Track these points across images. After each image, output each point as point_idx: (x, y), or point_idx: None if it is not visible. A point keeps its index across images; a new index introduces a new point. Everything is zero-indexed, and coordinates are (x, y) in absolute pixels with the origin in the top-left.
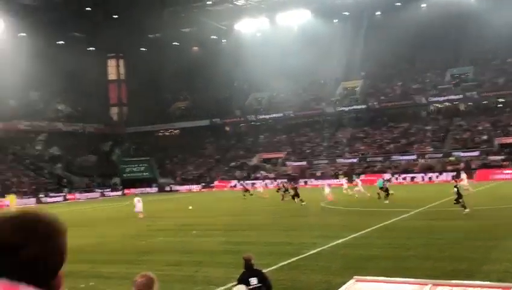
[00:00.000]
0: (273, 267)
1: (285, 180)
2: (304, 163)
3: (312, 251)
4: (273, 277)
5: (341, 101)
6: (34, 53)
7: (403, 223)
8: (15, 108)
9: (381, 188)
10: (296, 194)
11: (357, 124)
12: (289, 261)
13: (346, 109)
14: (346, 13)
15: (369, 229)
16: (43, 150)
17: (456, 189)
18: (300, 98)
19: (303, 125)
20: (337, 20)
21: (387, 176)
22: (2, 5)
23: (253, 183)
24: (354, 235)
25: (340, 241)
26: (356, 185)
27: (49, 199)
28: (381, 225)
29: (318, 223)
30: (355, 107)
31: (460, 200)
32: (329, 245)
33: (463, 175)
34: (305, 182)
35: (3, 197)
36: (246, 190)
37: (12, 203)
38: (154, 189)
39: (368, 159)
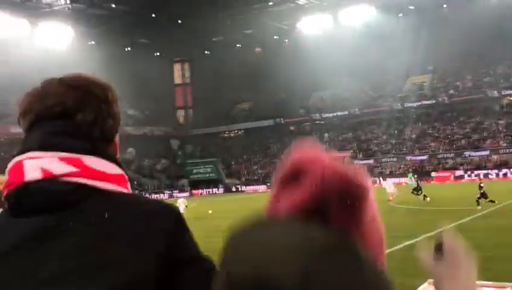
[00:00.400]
0: None
1: None
2: (371, 161)
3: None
4: None
5: (409, 97)
6: (103, 60)
7: (478, 222)
8: None
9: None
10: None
11: (426, 120)
12: None
13: (414, 104)
14: (412, 7)
15: (442, 229)
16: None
17: None
18: (366, 95)
19: (369, 122)
20: (402, 15)
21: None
22: (72, 15)
23: None
24: (427, 235)
25: (413, 241)
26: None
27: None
28: (455, 224)
29: (388, 222)
30: (423, 102)
31: None
32: (401, 245)
33: None
34: (374, 181)
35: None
36: None
37: None
38: (221, 190)
39: (439, 156)
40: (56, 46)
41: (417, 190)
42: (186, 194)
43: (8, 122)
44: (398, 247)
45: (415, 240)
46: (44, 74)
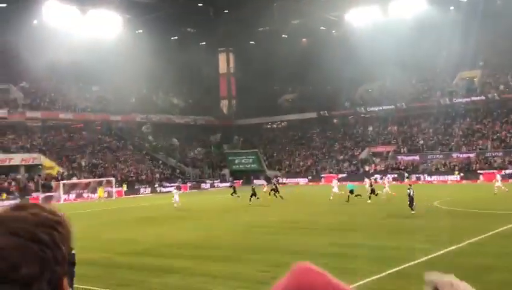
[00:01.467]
0: (379, 275)
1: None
2: (416, 157)
3: (423, 257)
4: (378, 286)
5: (458, 92)
6: (150, 49)
7: None
8: (132, 101)
9: (351, 192)
10: (276, 189)
11: (475, 117)
12: (397, 268)
13: (463, 100)
14: (464, 0)
15: (487, 235)
16: (158, 141)
17: None
18: (414, 89)
19: (416, 117)
20: (453, 8)
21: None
22: (120, 4)
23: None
24: (469, 241)
25: (454, 247)
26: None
27: (163, 189)
28: (500, 229)
29: (429, 225)
30: (473, 98)
31: None
32: (442, 252)
33: None
34: (418, 178)
35: (121, 186)
36: (274, 190)
37: (101, 196)
38: (262, 181)
39: (487, 154)
40: (105, 34)
41: (372, 192)
42: (228, 184)
43: (56, 108)
44: (438, 253)
45: (457, 245)
46: (93, 61)
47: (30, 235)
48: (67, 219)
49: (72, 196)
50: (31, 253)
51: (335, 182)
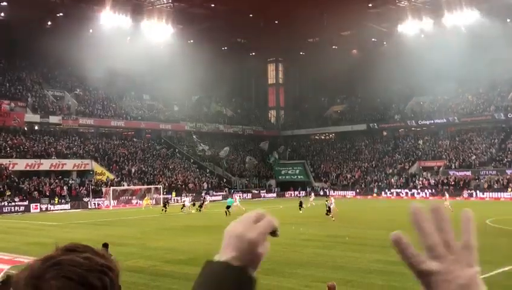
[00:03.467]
0: None
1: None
2: (468, 173)
3: None
4: None
5: None
6: (201, 59)
7: None
8: (182, 110)
9: (228, 207)
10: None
11: None
12: None
13: None
14: None
15: None
16: (207, 150)
17: None
18: (467, 102)
19: (468, 131)
20: (510, 20)
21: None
22: (172, 14)
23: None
24: None
25: (506, 269)
26: None
27: (209, 198)
28: None
29: (482, 244)
30: None
31: None
32: (492, 273)
33: None
34: (470, 194)
35: (171, 194)
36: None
37: (145, 204)
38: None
39: None
40: (157, 43)
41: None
42: (274, 194)
43: (108, 115)
44: (488, 274)
45: (509, 267)
46: (145, 70)
47: (82, 279)
48: (117, 264)
49: (121, 202)
50: None
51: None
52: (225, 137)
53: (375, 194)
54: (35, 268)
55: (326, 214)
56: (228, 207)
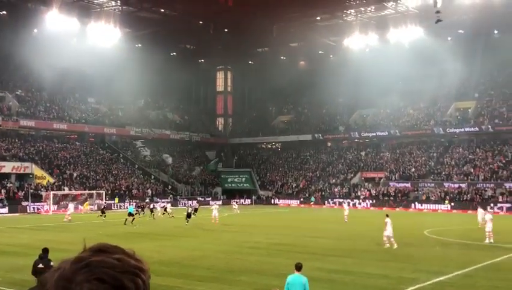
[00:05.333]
0: None
1: (147, 200)
2: (408, 184)
3: (410, 287)
4: None
5: (452, 122)
6: (148, 63)
7: None
8: (127, 115)
9: (130, 214)
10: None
11: (468, 147)
12: None
13: (457, 130)
14: (461, 31)
15: (475, 267)
16: (151, 156)
17: None
18: (408, 116)
19: (409, 144)
20: (451, 38)
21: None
22: (120, 17)
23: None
24: (457, 272)
25: (442, 278)
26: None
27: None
28: (488, 262)
29: (420, 254)
30: (467, 129)
31: None
32: (429, 282)
33: None
34: (407, 206)
35: (114, 200)
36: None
37: (85, 209)
38: (253, 201)
39: (478, 185)
40: (103, 46)
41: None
42: (220, 202)
43: (50, 118)
44: (426, 283)
45: (445, 277)
46: (90, 73)
47: (116, 282)
48: (148, 266)
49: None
50: None
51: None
52: (172, 143)
53: (318, 204)
54: (65, 270)
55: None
56: (130, 214)
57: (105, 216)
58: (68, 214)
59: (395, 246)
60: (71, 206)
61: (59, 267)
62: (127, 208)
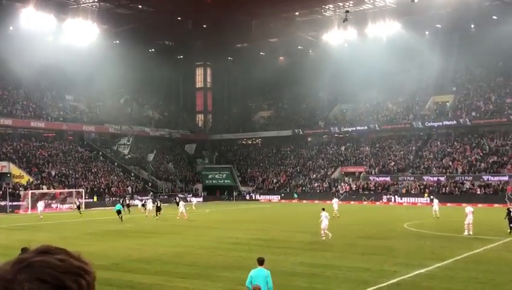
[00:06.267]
0: None
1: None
2: (388, 178)
3: (392, 280)
4: None
5: (430, 116)
6: (126, 60)
7: (491, 254)
8: (106, 112)
9: (118, 212)
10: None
11: (446, 140)
12: None
13: (436, 124)
14: (439, 26)
15: (454, 259)
16: (131, 153)
17: None
18: (387, 111)
19: (388, 138)
20: (428, 33)
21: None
22: (97, 14)
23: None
24: (438, 264)
25: (423, 270)
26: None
27: (133, 202)
28: (467, 254)
29: (400, 247)
30: (445, 123)
31: None
32: (410, 275)
33: None
34: (389, 199)
35: (93, 198)
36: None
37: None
38: (234, 197)
39: (456, 178)
40: (81, 43)
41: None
42: (200, 199)
43: (28, 116)
44: (407, 276)
45: (426, 269)
46: (68, 70)
47: (58, 282)
48: (92, 266)
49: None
50: None
51: (335, 200)
52: (151, 140)
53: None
54: (5, 270)
55: None
56: (119, 212)
57: (80, 213)
58: (39, 212)
59: (330, 236)
60: (40, 204)
61: (0, 268)
62: (115, 206)
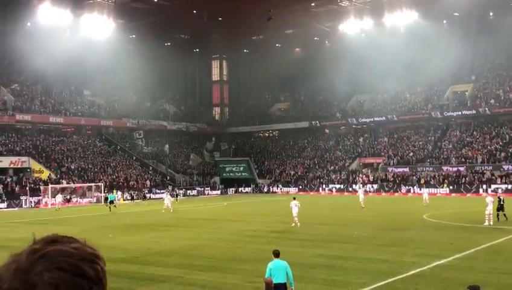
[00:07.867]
0: (368, 288)
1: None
2: (407, 169)
3: (411, 271)
4: None
5: (449, 106)
6: (143, 54)
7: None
8: (124, 106)
9: (111, 202)
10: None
11: (466, 130)
12: (385, 281)
13: (454, 114)
14: (457, 14)
15: (474, 249)
16: (149, 147)
17: None
18: (406, 101)
19: (407, 129)
20: (446, 21)
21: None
22: (113, 9)
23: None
24: (457, 255)
25: (442, 261)
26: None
27: (153, 195)
28: (488, 244)
29: (419, 238)
30: (464, 112)
31: None
32: (430, 266)
33: None
34: (408, 190)
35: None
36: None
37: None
38: (252, 189)
39: (476, 168)
40: (98, 38)
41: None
42: (218, 192)
43: (47, 111)
44: (426, 267)
45: (445, 260)
46: (85, 65)
47: (77, 270)
48: (102, 254)
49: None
50: (79, 288)
51: (361, 190)
52: (169, 134)
53: (315, 191)
54: (20, 261)
55: None
56: (111, 202)
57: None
58: (57, 203)
59: (298, 225)
60: (59, 196)
61: (13, 260)
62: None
